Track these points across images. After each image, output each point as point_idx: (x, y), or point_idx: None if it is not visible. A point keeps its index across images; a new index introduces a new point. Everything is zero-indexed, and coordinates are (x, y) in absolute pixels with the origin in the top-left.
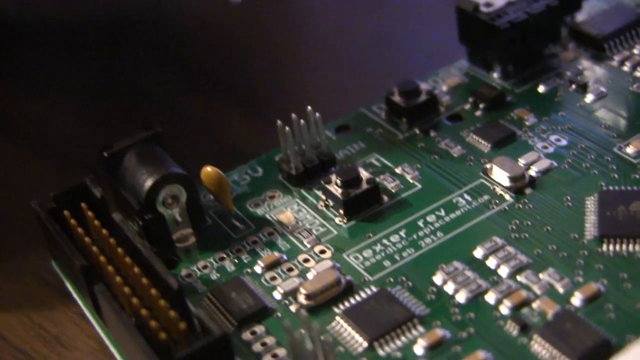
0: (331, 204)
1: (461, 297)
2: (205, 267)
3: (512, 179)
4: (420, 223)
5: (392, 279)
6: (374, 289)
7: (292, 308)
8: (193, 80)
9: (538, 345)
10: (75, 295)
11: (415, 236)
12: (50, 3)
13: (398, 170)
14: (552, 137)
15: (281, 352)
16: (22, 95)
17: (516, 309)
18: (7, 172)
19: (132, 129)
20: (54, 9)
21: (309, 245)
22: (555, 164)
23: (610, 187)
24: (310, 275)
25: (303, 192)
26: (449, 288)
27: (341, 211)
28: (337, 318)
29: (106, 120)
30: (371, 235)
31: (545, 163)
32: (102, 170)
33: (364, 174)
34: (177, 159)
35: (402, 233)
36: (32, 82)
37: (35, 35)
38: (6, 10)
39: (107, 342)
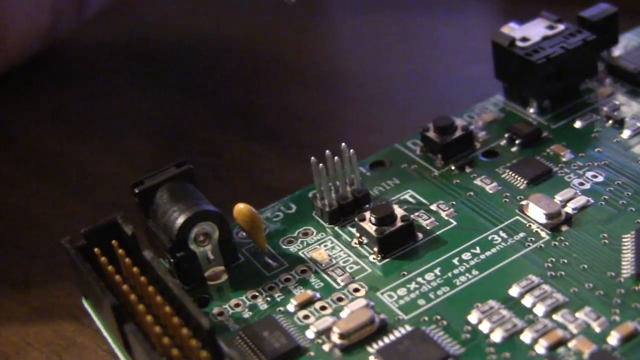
0: (365, 241)
1: (496, 337)
2: (237, 305)
3: (548, 216)
4: (455, 261)
5: (426, 318)
6: (408, 328)
7: (326, 347)
8: (226, 116)
9: None
10: (105, 333)
11: (450, 274)
12: (81, 39)
13: (433, 207)
14: (589, 174)
15: None
16: (53, 132)
17: (552, 348)
18: (38, 209)
19: (161, 166)
20: (85, 45)
21: (342, 284)
22: (591, 200)
23: None
24: (343, 314)
25: (337, 229)
26: (484, 327)
27: (375, 249)
28: (371, 358)
29: (138, 157)
30: (405, 273)
31: (581, 200)
32: (134, 207)
33: (399, 211)
34: (209, 196)
35: (437, 271)
36: (62, 120)
37: (66, 73)
38: (37, 49)
39: None
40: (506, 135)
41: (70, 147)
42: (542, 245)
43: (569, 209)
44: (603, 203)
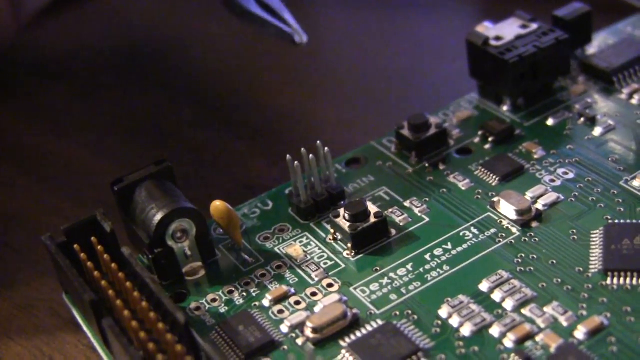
0: (339, 237)
1: (466, 331)
2: (214, 300)
3: (519, 212)
4: (427, 256)
5: (398, 312)
6: (380, 322)
7: (299, 341)
8: (204, 114)
9: None
10: (85, 328)
11: (422, 270)
12: (65, 41)
13: (407, 204)
14: (560, 171)
15: None
16: (36, 129)
17: (520, 342)
18: (21, 205)
19: (145, 163)
20: (69, 46)
21: (316, 279)
22: (562, 197)
23: (617, 221)
24: (317, 309)
25: (312, 225)
26: (454, 321)
27: (349, 245)
28: (343, 351)
29: (119, 155)
30: (378, 268)
31: (552, 196)
32: (114, 205)
33: (372, 207)
34: (187, 193)
35: (409, 266)
36: (46, 117)
37: (51, 72)
38: (22, 48)
39: None
40: (480, 132)
41: (53, 143)
42: (513, 241)
43: (539, 205)
44: (573, 199)
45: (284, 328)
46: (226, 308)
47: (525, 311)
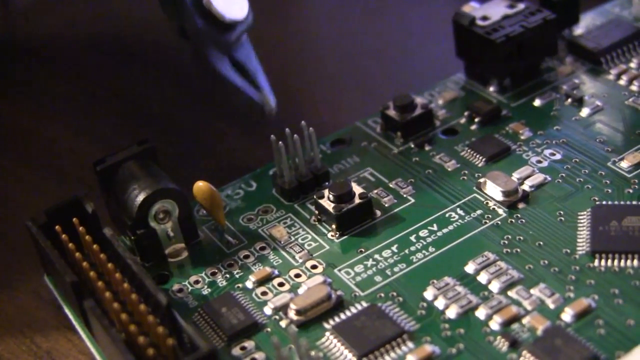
0: (324, 218)
1: (451, 313)
2: (197, 282)
3: (505, 193)
4: (413, 238)
5: (382, 294)
6: (364, 304)
7: (283, 323)
8: (187, 94)
9: None
10: (67, 310)
11: (407, 251)
12: (49, 21)
13: (392, 185)
14: (547, 152)
15: None
16: (19, 109)
17: (506, 324)
18: (2, 185)
19: (128, 143)
20: (53, 26)
21: (300, 260)
22: (549, 178)
23: (604, 202)
24: (301, 291)
25: (296, 206)
26: (440, 303)
27: (333, 226)
28: (327, 334)
29: (102, 135)
30: (363, 250)
31: (539, 177)
32: (96, 185)
33: (357, 188)
34: (171, 173)
35: (394, 248)
36: (29, 97)
37: (33, 52)
38: (5, 27)
39: (97, 357)
40: (466, 113)
41: (36, 123)
42: (499, 222)
43: (526, 186)
44: (560, 181)
45: (268, 310)
46: (209, 290)
47: (511, 293)
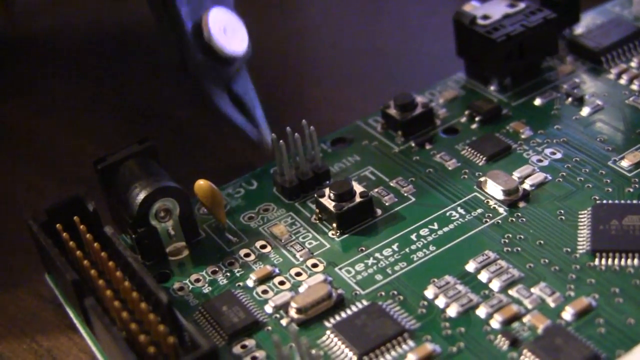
0: (324, 217)
1: (452, 311)
2: (197, 280)
3: (506, 192)
4: (413, 237)
5: (383, 293)
6: (365, 302)
7: (283, 322)
8: (188, 93)
9: None
10: (67, 308)
11: (407, 250)
12: (47, 19)
13: (392, 184)
14: (547, 151)
15: None
16: (19, 108)
17: (507, 323)
18: (5, 185)
19: (128, 142)
20: (54, 25)
21: (301, 259)
22: (549, 177)
23: (604, 201)
24: (302, 289)
25: (297, 205)
26: (440, 302)
27: (334, 224)
28: (328, 332)
29: (102, 133)
30: (364, 248)
31: (539, 176)
32: (96, 183)
33: (358, 187)
34: (171, 172)
35: (395, 247)
36: (28, 95)
37: (33, 50)
38: (5, 27)
39: (98, 356)
40: (466, 112)
41: (36, 122)
42: (500, 221)
43: (526, 185)
44: (561, 180)
45: (268, 308)
46: (210, 288)
47: (512, 292)
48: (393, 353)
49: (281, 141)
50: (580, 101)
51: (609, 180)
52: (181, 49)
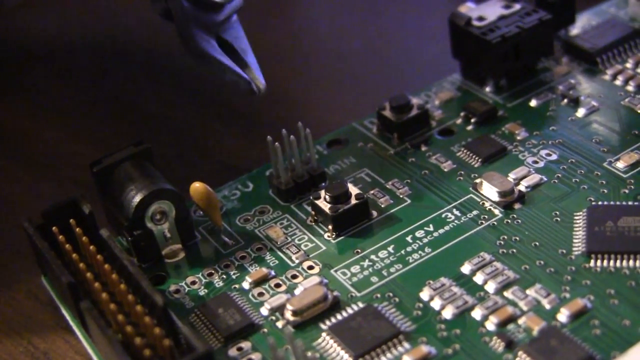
0: (320, 219)
1: (447, 313)
2: (193, 282)
3: (501, 194)
4: (409, 239)
5: (379, 295)
6: (360, 305)
7: (279, 324)
8: (183, 95)
9: None
10: (63, 311)
11: (403, 252)
12: (43, 23)
13: (388, 185)
14: (543, 152)
15: None
16: (15, 111)
17: (502, 325)
18: (1, 187)
19: (123, 144)
20: (48, 28)
21: (297, 261)
22: (545, 178)
23: (600, 202)
24: (297, 291)
25: (293, 207)
26: (436, 304)
27: (330, 227)
28: (324, 334)
29: (97, 136)
30: (359, 250)
31: (534, 178)
32: (92, 186)
33: (353, 189)
34: (167, 174)
35: (391, 249)
36: (25, 98)
37: (30, 54)
38: (2, 29)
39: (94, 358)
40: (462, 114)
41: (33, 125)
42: (495, 223)
43: (522, 187)
44: (556, 181)
45: (264, 311)
46: (206, 290)
47: (507, 294)
48: (389, 355)
49: (277, 143)
50: (575, 102)
51: (604, 182)
52: None
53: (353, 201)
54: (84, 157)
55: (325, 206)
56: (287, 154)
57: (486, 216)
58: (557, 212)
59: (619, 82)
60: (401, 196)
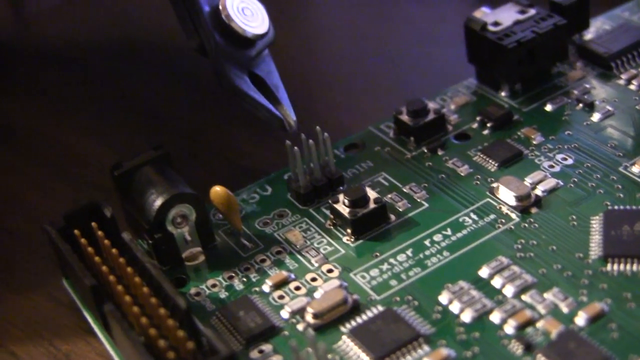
0: (339, 223)
1: (466, 317)
2: (214, 285)
3: (518, 198)
4: (427, 242)
5: (398, 298)
6: (380, 308)
7: (300, 327)
8: (204, 98)
9: None
10: (85, 313)
11: (421, 255)
12: (63, 26)
13: (405, 189)
14: (559, 156)
15: None
16: (34, 113)
17: (520, 328)
18: (20, 190)
19: (143, 148)
20: (66, 29)
21: (316, 264)
22: (561, 183)
23: (616, 207)
24: (317, 294)
25: (311, 211)
26: (455, 307)
27: (349, 230)
28: (344, 337)
29: (116, 139)
30: (378, 254)
31: (551, 182)
32: (110, 189)
33: (372, 193)
34: (187, 178)
35: (409, 252)
36: (44, 101)
37: (50, 56)
38: (20, 32)
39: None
40: (478, 118)
41: (50, 127)
42: (512, 227)
43: (538, 191)
44: (572, 185)
45: (285, 314)
46: (226, 293)
47: (525, 297)
48: (408, 357)
49: (295, 147)
50: (590, 107)
51: (620, 186)
52: (199, 32)
53: (372, 205)
54: (100, 160)
55: (344, 210)
56: (305, 158)
57: (503, 220)
58: (574, 217)
59: (633, 86)
60: (419, 200)
